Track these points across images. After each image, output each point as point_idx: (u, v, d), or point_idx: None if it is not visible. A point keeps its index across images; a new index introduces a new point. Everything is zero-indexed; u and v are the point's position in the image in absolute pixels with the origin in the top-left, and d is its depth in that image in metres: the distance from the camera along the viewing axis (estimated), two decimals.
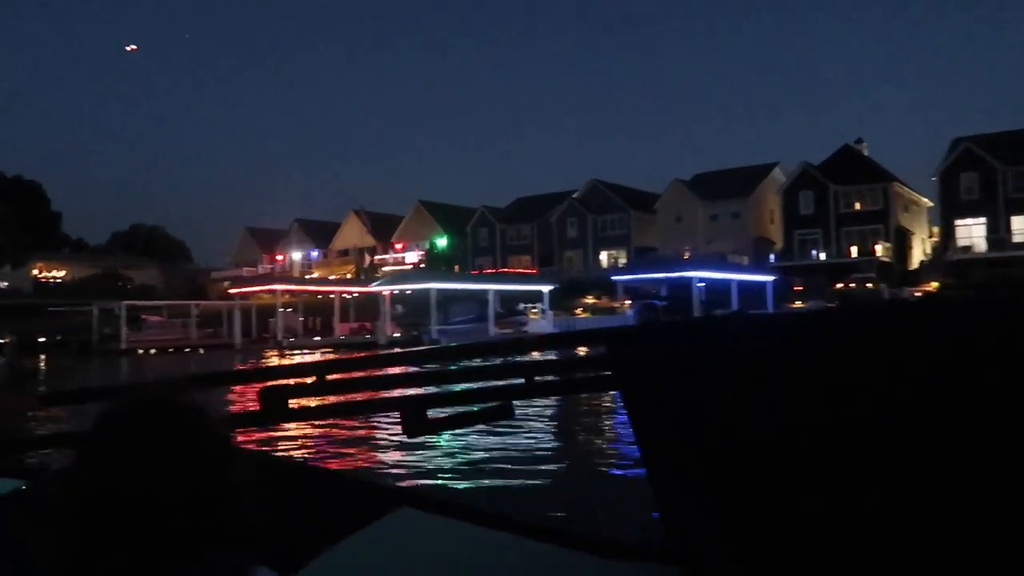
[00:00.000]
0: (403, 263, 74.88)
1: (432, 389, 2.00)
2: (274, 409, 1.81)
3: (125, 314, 42.92)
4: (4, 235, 77.35)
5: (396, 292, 38.23)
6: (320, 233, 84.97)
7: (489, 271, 64.67)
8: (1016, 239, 47.57)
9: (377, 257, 77.14)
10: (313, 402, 1.93)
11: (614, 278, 34.18)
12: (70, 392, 2.43)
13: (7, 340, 49.36)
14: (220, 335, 46.07)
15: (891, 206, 53.51)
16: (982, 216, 49.00)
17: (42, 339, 49.13)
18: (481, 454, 8.48)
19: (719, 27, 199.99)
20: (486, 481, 7.38)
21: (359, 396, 1.97)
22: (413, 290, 38.48)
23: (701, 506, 1.38)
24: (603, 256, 64.19)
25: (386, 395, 1.91)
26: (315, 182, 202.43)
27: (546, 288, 40.59)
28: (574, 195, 66.91)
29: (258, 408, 1.82)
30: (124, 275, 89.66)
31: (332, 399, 2.04)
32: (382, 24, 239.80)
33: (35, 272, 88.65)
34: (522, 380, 1.77)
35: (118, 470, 0.95)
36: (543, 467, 8.03)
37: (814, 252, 53.70)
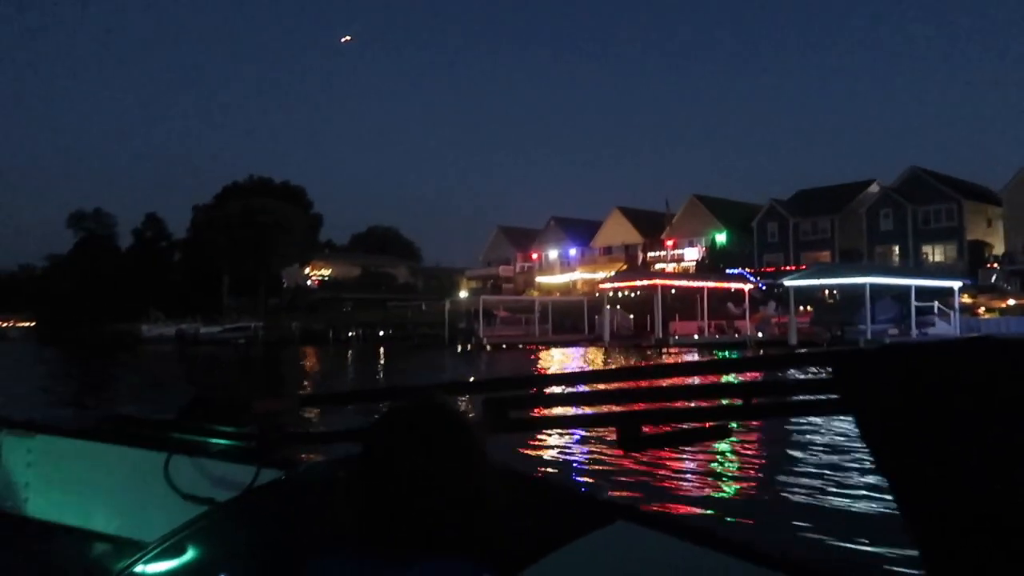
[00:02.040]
0: (682, 260, 72.05)
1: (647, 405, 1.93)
2: (495, 419, 1.83)
3: (482, 309, 42.76)
4: (296, 236, 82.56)
5: (797, 287, 35.13)
6: (578, 231, 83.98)
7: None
8: None
9: (650, 254, 74.74)
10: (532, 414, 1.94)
11: None
12: (329, 395, 2.61)
13: (354, 333, 51.75)
14: (578, 331, 45.14)
15: None
16: None
17: (382, 332, 50.81)
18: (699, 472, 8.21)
19: None
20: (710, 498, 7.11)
21: (580, 410, 1.98)
22: (829, 284, 35.33)
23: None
24: (927, 251, 58.08)
25: (603, 410, 1.91)
26: (552, 181, 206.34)
27: (956, 284, 36.00)
28: (889, 184, 61.08)
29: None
30: (384, 272, 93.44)
31: (554, 411, 2.03)
32: (630, 24, 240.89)
33: (307, 271, 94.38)
34: (740, 401, 1.71)
35: (398, 468, 1.06)
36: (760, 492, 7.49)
37: None
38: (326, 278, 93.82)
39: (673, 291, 45.68)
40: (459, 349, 41.49)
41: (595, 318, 47.99)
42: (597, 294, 48.10)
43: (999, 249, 57.00)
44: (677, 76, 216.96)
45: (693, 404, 1.84)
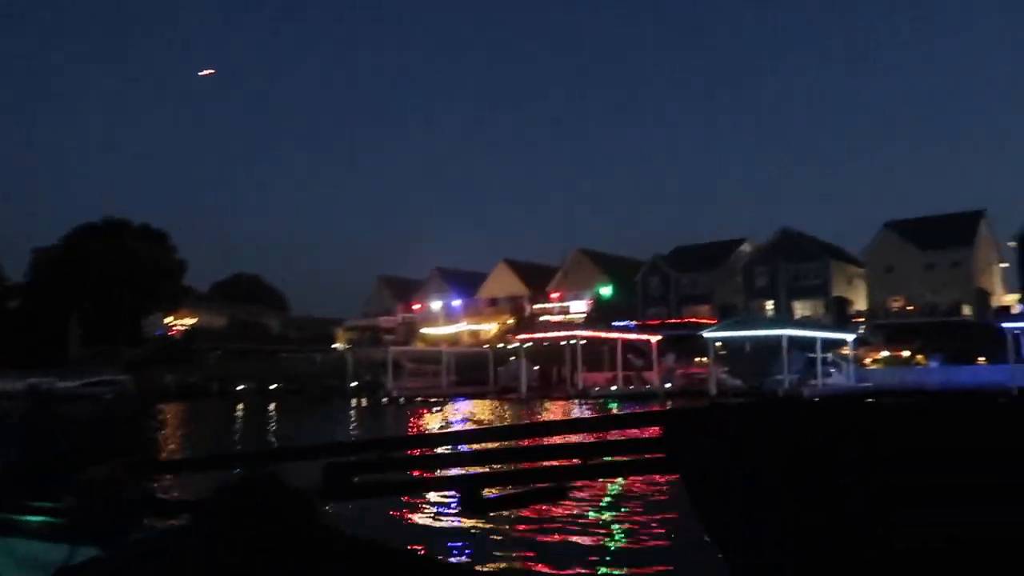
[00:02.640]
0: (568, 312, 73.10)
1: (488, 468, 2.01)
2: (336, 486, 1.81)
3: (391, 360, 40.98)
4: (159, 282, 76.66)
5: (719, 338, 36.16)
6: (462, 282, 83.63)
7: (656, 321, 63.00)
8: None
9: (536, 306, 75.38)
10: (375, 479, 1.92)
11: (1004, 325, 32.06)
12: (165, 463, 2.67)
13: (243, 387, 47.89)
14: (483, 383, 44.10)
15: None
16: None
17: (274, 385, 47.37)
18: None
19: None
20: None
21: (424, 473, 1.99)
22: (749, 336, 36.46)
23: None
24: (796, 306, 62.18)
25: (444, 473, 1.92)
26: (437, 233, 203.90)
27: (850, 336, 38.51)
28: (763, 243, 65.28)
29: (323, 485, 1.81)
30: (258, 323, 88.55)
31: (400, 476, 2.04)
32: (508, 80, 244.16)
33: (169, 320, 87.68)
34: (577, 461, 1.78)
35: (223, 546, 1.04)
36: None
37: None
38: (190, 327, 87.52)
39: (573, 342, 46.08)
40: (364, 402, 39.37)
41: (499, 370, 47.37)
42: (502, 344, 47.59)
43: (860, 305, 62.08)
44: (556, 137, 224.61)
45: (534, 465, 1.83)
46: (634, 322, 62.77)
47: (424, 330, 79.27)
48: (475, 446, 1.99)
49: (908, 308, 55.36)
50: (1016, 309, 53.31)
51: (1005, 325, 31.58)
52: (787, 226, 64.66)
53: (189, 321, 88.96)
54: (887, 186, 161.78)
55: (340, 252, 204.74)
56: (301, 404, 39.32)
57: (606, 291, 72.04)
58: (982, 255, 58.60)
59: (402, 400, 39.52)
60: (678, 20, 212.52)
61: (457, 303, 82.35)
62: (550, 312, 74.73)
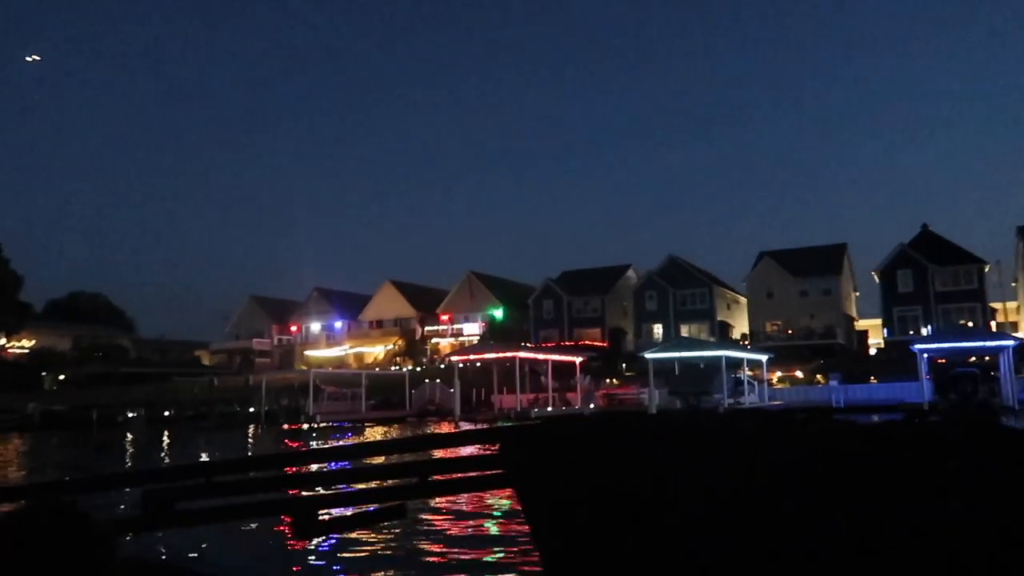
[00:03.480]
0: (460, 334, 72.46)
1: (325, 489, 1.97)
2: (158, 514, 1.76)
3: (313, 383, 38.61)
4: None
5: (659, 359, 36.83)
6: (345, 303, 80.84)
7: (552, 344, 64.10)
8: None
9: (428, 328, 74.12)
10: (203, 504, 1.85)
11: (916, 347, 34.80)
12: None
13: (134, 415, 43.10)
14: (400, 406, 42.43)
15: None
16: None
17: (168, 412, 43.12)
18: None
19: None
20: None
21: (258, 497, 1.90)
22: (687, 357, 37.28)
23: None
24: (683, 329, 65.15)
25: (277, 496, 1.90)
26: (316, 254, 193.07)
27: (764, 357, 40.70)
28: (652, 270, 67.99)
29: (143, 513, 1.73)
30: (114, 344, 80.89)
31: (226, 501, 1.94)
32: (393, 88, 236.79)
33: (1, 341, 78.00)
34: (415, 479, 1.82)
35: None
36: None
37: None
38: (27, 349, 78.35)
39: (479, 364, 45.63)
40: (284, 427, 36.78)
41: (412, 392, 46.02)
42: (397, 367, 46.11)
43: (740, 328, 66.06)
44: (443, 164, 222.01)
45: (372, 485, 1.80)
46: (528, 344, 63.29)
47: (308, 352, 75.72)
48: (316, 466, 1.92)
49: (788, 331, 59.47)
50: (880, 334, 58.79)
51: (916, 347, 34.61)
52: (673, 254, 67.76)
53: (27, 343, 79.72)
54: (759, 219, 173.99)
55: (198, 272, 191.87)
56: (202, 432, 36.09)
57: (498, 313, 72.12)
58: (846, 284, 64.21)
59: (323, 424, 37.35)
60: (559, 44, 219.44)
61: (340, 324, 79.42)
62: (441, 334, 73.83)
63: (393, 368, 61.36)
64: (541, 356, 41.08)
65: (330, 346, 77.73)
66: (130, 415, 41.34)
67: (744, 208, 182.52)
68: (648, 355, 37.49)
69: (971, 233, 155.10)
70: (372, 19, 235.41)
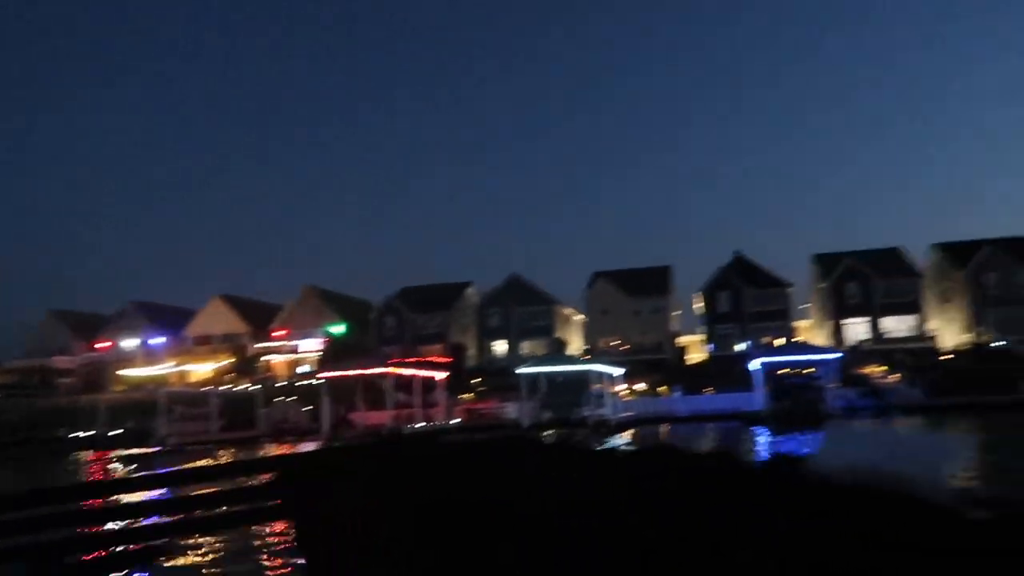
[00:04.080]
0: (297, 351, 69.81)
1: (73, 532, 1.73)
2: None
3: (165, 402, 35.73)
4: None
5: (531, 374, 37.53)
6: (166, 318, 75.09)
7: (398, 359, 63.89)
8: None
9: (259, 345, 70.65)
10: None
11: (760, 360, 38.28)
12: None
13: None
14: (252, 426, 40.17)
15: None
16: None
17: None
18: None
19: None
20: None
21: None
22: (558, 372, 38.19)
23: None
24: (525, 346, 67.28)
25: (9, 543, 1.53)
26: (132, 266, 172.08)
27: (618, 371, 43.09)
28: (495, 287, 69.59)
29: None
30: None
31: None
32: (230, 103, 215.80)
33: None
34: (181, 516, 1.73)
35: None
36: None
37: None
38: None
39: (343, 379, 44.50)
40: (134, 452, 33.71)
41: (263, 412, 44.03)
42: (230, 384, 44.02)
43: (575, 344, 69.35)
44: (270, 173, 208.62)
45: (125, 525, 1.52)
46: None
47: (123, 372, 69.33)
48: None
49: (623, 347, 63.30)
50: (704, 349, 64.22)
51: (751, 365, 38.51)
52: (515, 273, 69.88)
53: None
54: (589, 241, 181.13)
55: None
56: (33, 457, 32.30)
57: (339, 329, 70.34)
58: (672, 303, 69.57)
59: (176, 447, 34.67)
60: (390, 62, 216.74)
61: (159, 341, 73.55)
62: (276, 351, 70.75)
63: (233, 388, 57.99)
64: (409, 372, 40.85)
65: (149, 364, 71.69)
66: None
67: (575, 229, 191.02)
68: (520, 370, 38.62)
69: (774, 259, 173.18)
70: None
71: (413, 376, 40.53)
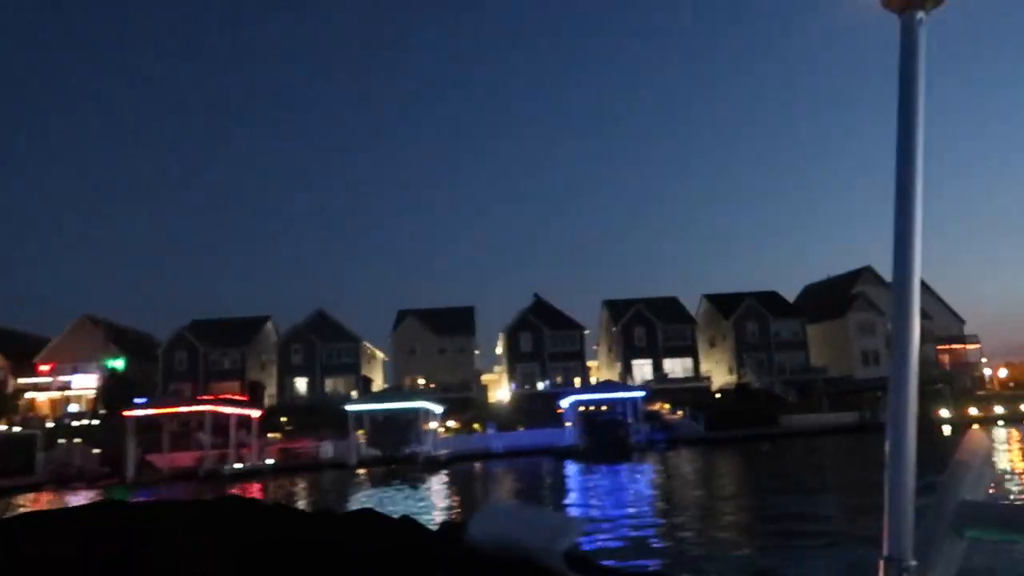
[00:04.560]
0: (68, 388, 62.73)
1: None
2: None
3: None
4: None
5: (361, 411, 36.50)
6: None
7: (204, 397, 59.90)
8: None
9: (21, 380, 62.55)
10: None
11: (572, 398, 40.24)
12: None
13: None
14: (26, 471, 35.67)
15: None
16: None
17: None
18: None
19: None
20: None
21: None
22: (387, 409, 37.38)
23: None
24: (328, 383, 65.99)
25: None
26: None
27: (439, 408, 43.78)
28: (298, 323, 67.60)
29: None
30: None
31: None
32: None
33: None
34: None
35: None
36: None
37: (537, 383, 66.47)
38: None
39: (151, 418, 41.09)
40: None
41: (43, 455, 39.57)
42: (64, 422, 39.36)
43: (378, 382, 69.27)
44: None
45: None
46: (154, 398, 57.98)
47: None
48: None
49: (430, 385, 64.24)
50: (507, 387, 66.93)
51: (563, 403, 41.21)
52: (322, 308, 68.56)
53: None
54: (387, 279, 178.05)
55: None
56: None
57: (118, 364, 64.34)
58: (475, 342, 71.88)
59: None
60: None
61: None
62: (42, 388, 63.17)
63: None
64: (228, 410, 38.61)
65: None
66: None
67: (374, 267, 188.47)
68: (349, 407, 38.06)
69: (570, 302, 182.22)
70: None
71: (231, 414, 38.48)
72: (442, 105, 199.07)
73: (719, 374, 68.07)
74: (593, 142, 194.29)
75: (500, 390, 69.38)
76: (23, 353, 64.78)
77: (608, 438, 38.85)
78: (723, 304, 70.26)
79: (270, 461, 40.42)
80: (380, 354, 74.87)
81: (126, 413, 37.36)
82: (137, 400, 58.49)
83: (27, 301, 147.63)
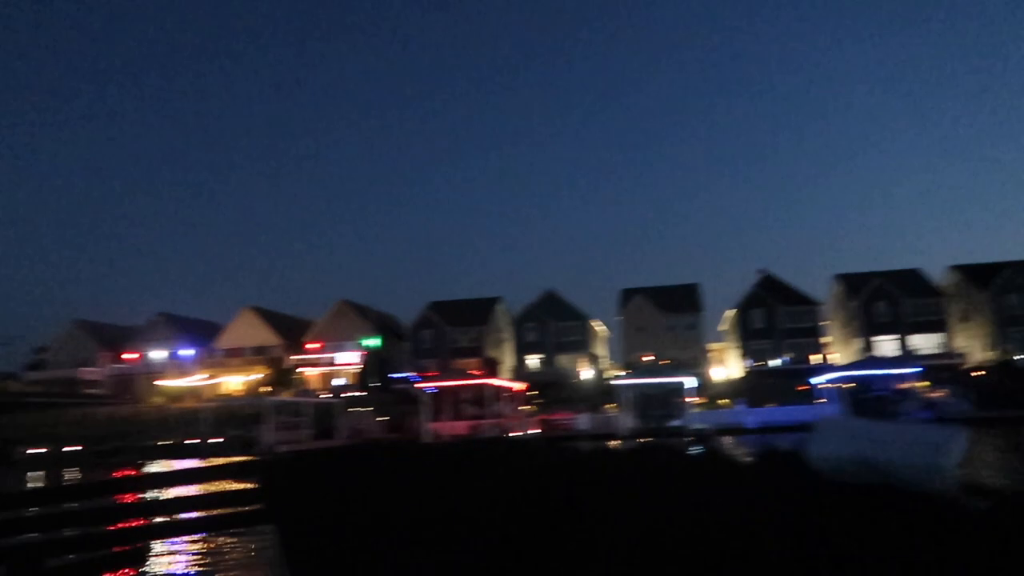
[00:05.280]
0: (333, 364, 70.30)
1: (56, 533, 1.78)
2: None
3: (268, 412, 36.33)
4: None
5: (629, 386, 38.81)
6: (193, 331, 74.99)
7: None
8: None
9: (294, 357, 70.97)
10: None
11: (832, 375, 40.17)
12: None
13: (44, 450, 36.84)
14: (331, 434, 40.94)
15: None
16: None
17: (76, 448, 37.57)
18: None
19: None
20: None
21: None
22: (657, 383, 39.66)
23: None
24: (562, 361, 68.72)
25: None
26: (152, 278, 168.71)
27: (694, 383, 44.75)
28: (531, 303, 70.98)
29: None
30: None
31: None
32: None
33: None
34: (165, 519, 1.75)
35: None
36: None
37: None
38: None
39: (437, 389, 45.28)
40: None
41: (342, 421, 44.78)
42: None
43: (606, 358, 71.07)
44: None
45: (111, 527, 1.63)
46: (416, 373, 63.41)
47: (160, 383, 69.03)
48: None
49: (661, 362, 65.05)
50: (741, 364, 66.24)
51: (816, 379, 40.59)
52: (551, 290, 71.44)
53: None
54: (611, 258, 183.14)
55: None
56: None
57: (375, 342, 71.01)
58: (702, 320, 71.65)
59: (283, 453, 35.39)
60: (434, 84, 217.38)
61: (189, 352, 73.39)
62: (311, 364, 71.14)
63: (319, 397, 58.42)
64: (501, 383, 41.89)
65: (180, 375, 71.45)
66: (28, 452, 35.78)
67: (602, 247, 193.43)
68: (616, 382, 40.00)
69: (801, 277, 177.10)
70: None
71: (499, 387, 41.59)
72: (657, 86, 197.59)
73: (974, 350, 63.06)
74: (822, 122, 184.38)
75: (715, 368, 68.68)
76: (291, 333, 73.39)
77: (881, 415, 37.75)
78: (977, 275, 64.80)
79: (534, 431, 43.13)
80: (603, 331, 76.66)
81: (418, 385, 41.56)
82: (392, 375, 64.93)
83: (292, 289, 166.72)
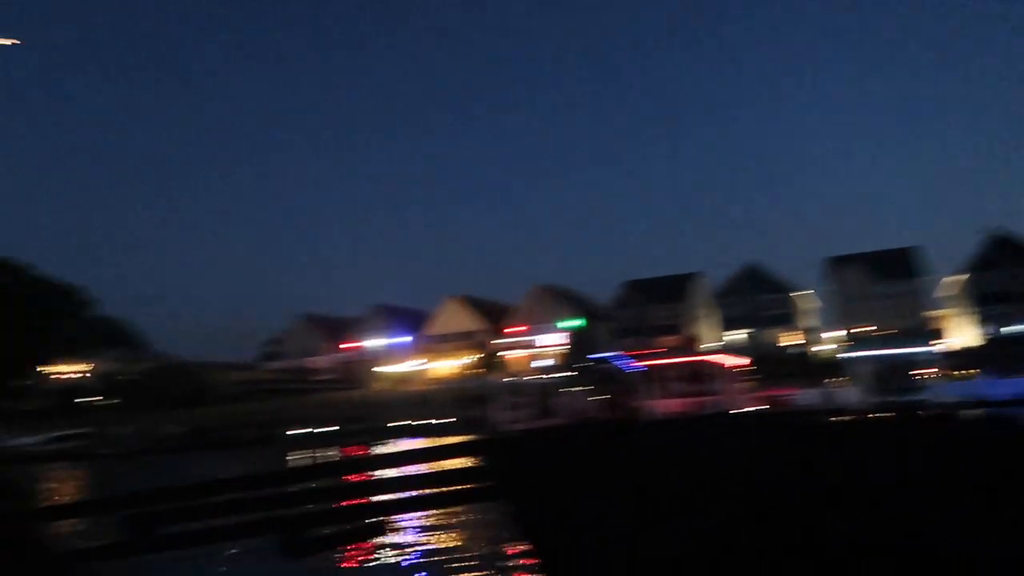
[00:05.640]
0: (532, 346, 72.74)
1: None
2: (140, 538, 1.77)
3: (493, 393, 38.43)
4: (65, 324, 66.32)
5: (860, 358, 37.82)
6: (404, 320, 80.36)
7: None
8: None
9: (497, 341, 74.20)
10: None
11: None
12: None
13: (309, 430, 42.04)
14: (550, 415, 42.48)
15: None
16: None
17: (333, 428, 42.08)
18: None
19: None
20: None
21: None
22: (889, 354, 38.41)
23: None
24: (767, 335, 66.56)
25: (263, 516, 1.81)
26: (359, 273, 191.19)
27: (930, 352, 42.21)
28: (731, 277, 69.45)
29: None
30: (178, 366, 78.48)
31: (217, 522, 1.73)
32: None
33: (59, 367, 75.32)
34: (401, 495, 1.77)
35: None
36: None
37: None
38: (83, 374, 75.88)
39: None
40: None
41: (558, 401, 46.06)
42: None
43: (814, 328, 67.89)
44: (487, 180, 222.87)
45: (356, 501, 1.70)
46: (622, 352, 63.88)
47: (378, 369, 74.92)
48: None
49: (880, 333, 61.26)
50: (976, 331, 61.00)
51: None
52: (752, 262, 69.36)
53: (78, 368, 76.90)
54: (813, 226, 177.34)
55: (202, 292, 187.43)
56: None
57: (578, 323, 72.52)
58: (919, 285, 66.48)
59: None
60: (610, 64, 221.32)
61: (404, 340, 78.77)
62: (514, 347, 73.93)
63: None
64: (718, 360, 41.51)
65: (396, 362, 76.97)
66: (293, 432, 40.40)
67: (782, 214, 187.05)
68: (844, 355, 38.54)
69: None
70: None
71: (719, 364, 41.12)
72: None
73: None
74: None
75: (943, 338, 63.26)
76: (494, 318, 76.61)
77: None
78: None
79: (761, 408, 42.26)
80: (809, 302, 73.30)
81: (636, 364, 42.09)
82: (591, 356, 65.87)
83: (490, 275, 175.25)
